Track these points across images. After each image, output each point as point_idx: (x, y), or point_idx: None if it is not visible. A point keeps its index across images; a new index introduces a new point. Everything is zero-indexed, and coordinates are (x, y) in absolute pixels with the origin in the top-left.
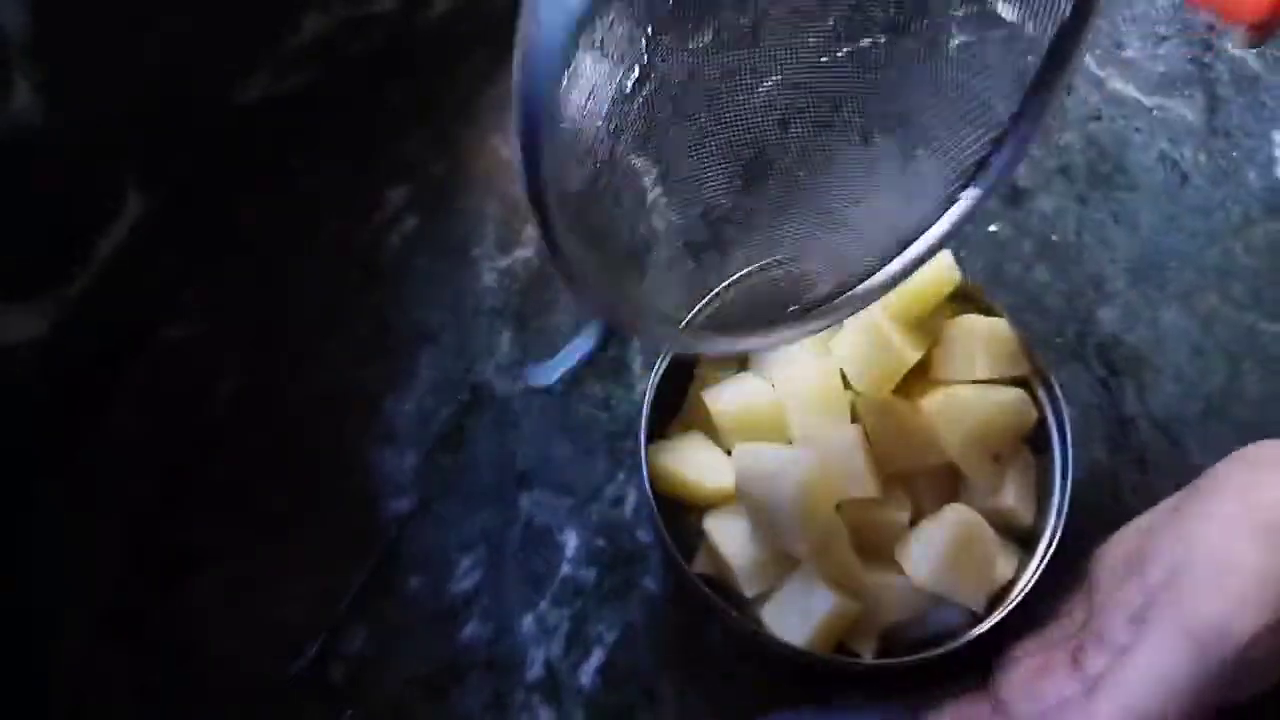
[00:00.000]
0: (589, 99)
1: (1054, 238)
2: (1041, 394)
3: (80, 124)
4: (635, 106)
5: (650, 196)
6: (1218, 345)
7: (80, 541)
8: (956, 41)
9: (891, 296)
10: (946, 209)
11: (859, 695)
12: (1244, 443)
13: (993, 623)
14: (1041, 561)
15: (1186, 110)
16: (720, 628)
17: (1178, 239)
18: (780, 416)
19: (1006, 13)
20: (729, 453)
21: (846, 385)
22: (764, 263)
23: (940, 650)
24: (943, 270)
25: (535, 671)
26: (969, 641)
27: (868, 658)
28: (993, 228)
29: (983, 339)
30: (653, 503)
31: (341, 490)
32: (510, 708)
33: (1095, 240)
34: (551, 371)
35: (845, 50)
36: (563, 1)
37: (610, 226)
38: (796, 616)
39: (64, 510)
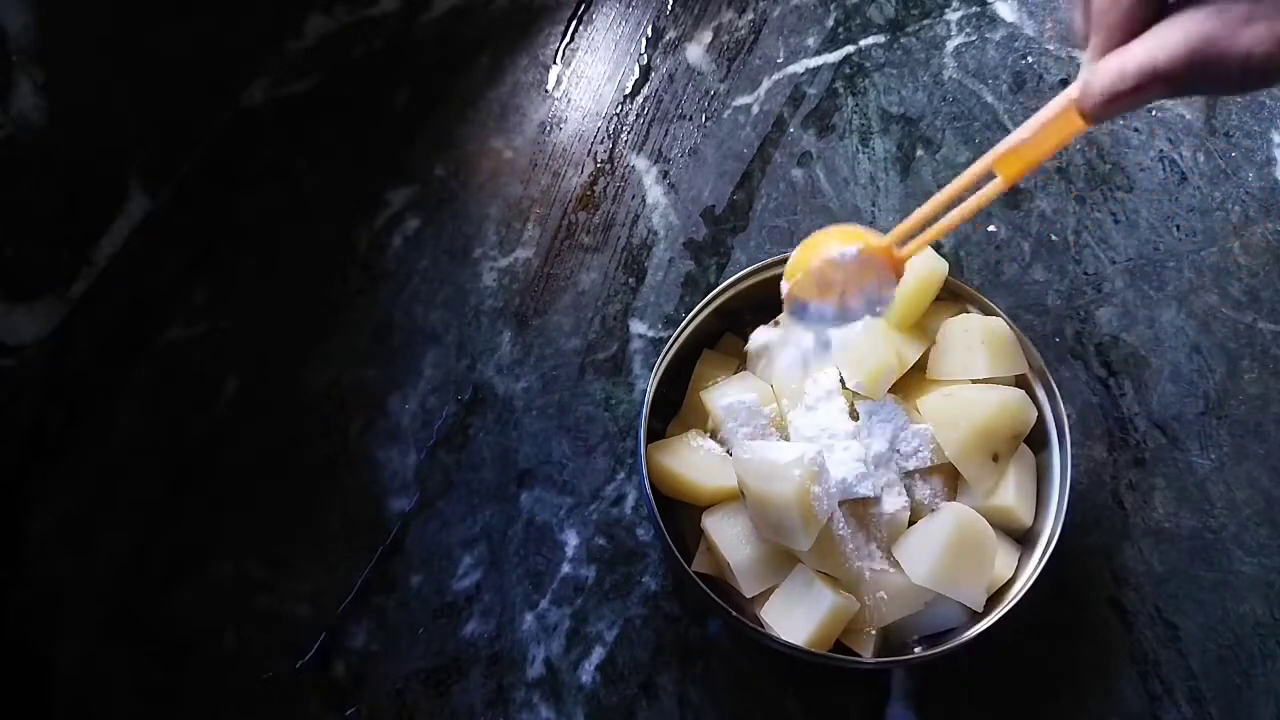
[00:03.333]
0: None
1: (1053, 237)
2: (1040, 393)
3: (83, 125)
4: None
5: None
6: (1216, 344)
7: (81, 541)
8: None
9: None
10: None
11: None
12: (1242, 441)
13: (992, 621)
14: (1040, 560)
15: (1185, 110)
16: (719, 626)
17: (1176, 239)
18: (780, 416)
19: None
20: (729, 453)
21: (845, 385)
22: (764, 263)
23: (940, 649)
24: (931, 265)
25: (536, 669)
26: (968, 640)
27: (867, 656)
28: (991, 228)
29: (981, 338)
30: (652, 502)
31: (344, 488)
32: (511, 704)
33: (1094, 240)
34: None
35: None
36: None
37: None
38: (796, 615)
39: (65, 510)
